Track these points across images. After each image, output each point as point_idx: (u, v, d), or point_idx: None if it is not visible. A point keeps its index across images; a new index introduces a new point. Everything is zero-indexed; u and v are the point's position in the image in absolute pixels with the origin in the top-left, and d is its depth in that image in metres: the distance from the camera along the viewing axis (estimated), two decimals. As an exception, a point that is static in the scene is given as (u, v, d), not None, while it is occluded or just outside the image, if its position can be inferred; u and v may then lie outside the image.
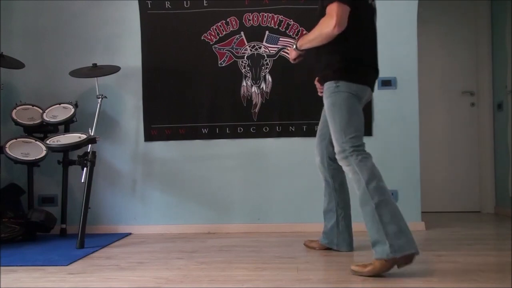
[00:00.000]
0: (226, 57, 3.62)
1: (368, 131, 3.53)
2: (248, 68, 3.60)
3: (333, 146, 2.47)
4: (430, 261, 2.47)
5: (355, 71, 2.38)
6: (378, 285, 2.01)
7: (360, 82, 2.39)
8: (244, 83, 3.61)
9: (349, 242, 2.77)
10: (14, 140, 3.30)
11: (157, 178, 3.66)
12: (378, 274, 2.14)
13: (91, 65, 3.43)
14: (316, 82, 2.69)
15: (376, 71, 2.52)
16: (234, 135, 3.62)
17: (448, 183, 4.57)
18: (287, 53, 3.59)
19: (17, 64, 3.48)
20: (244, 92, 3.61)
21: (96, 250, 2.91)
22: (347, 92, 2.36)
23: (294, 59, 2.69)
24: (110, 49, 3.69)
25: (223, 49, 3.62)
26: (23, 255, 2.79)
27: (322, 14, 2.36)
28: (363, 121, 2.42)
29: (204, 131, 3.63)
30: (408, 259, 2.12)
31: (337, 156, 2.39)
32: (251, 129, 3.61)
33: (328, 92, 2.42)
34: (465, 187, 4.57)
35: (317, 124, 3.53)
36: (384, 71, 3.52)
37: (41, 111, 3.47)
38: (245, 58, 3.61)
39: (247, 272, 2.29)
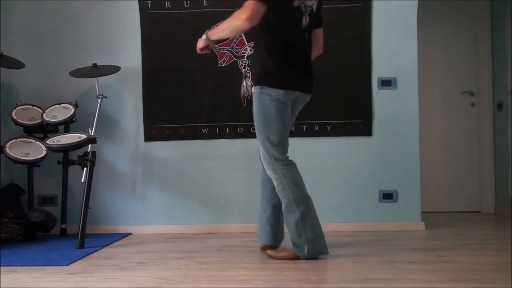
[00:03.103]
0: (226, 57, 3.62)
1: (368, 131, 3.54)
2: (248, 68, 3.60)
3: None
4: (430, 261, 2.47)
5: (277, 77, 2.43)
6: (378, 285, 2.01)
7: (283, 88, 2.43)
8: (244, 83, 3.61)
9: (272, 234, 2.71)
10: (14, 140, 3.30)
11: (157, 178, 3.66)
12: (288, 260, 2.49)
13: (91, 65, 3.43)
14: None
15: (306, 73, 2.54)
16: (234, 135, 3.61)
17: (448, 183, 4.57)
18: None
19: (17, 64, 3.48)
20: (244, 92, 3.61)
21: (96, 250, 2.91)
22: (270, 98, 2.43)
23: (201, 49, 2.59)
24: (110, 49, 3.68)
25: (223, 49, 3.62)
26: (23, 255, 2.79)
27: None
28: (288, 126, 2.53)
29: (204, 131, 3.63)
30: (316, 257, 2.49)
31: (262, 162, 2.54)
32: (251, 129, 3.59)
33: (254, 98, 2.50)
34: (465, 187, 4.56)
35: (317, 124, 3.55)
36: (384, 71, 3.55)
37: (41, 111, 3.47)
38: (245, 58, 3.61)
39: (247, 272, 2.29)
